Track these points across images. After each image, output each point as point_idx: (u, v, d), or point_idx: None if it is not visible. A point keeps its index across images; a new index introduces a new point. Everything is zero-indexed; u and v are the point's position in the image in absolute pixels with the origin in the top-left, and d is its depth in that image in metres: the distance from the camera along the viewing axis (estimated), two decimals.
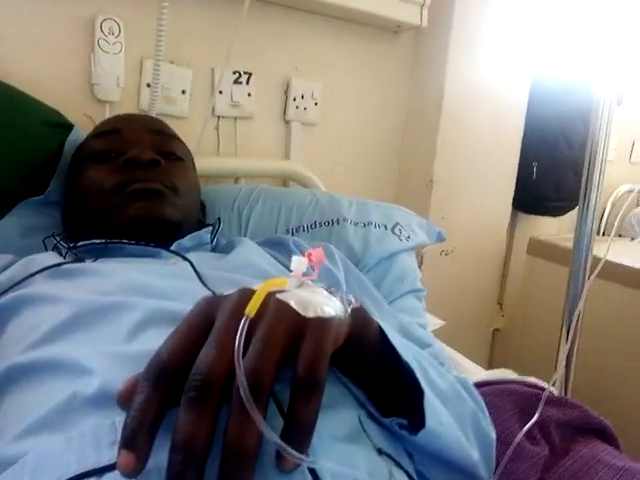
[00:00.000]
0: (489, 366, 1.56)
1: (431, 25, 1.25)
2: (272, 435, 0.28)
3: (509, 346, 1.72)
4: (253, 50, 1.13)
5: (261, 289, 0.33)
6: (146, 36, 0.96)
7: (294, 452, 0.28)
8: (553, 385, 0.75)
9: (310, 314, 0.33)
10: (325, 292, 0.38)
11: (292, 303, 0.34)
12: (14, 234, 0.73)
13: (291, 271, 0.38)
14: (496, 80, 1.40)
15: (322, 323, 0.33)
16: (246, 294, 0.33)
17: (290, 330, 0.32)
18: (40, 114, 0.83)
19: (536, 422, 0.65)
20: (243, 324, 0.31)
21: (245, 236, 0.88)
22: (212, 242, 0.74)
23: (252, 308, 0.32)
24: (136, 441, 0.29)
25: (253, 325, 0.32)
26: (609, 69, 0.93)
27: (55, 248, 0.66)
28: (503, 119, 1.45)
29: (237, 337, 0.30)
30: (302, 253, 0.42)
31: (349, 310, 0.39)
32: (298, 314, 0.33)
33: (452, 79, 1.33)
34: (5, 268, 0.57)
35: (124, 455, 0.28)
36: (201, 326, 0.33)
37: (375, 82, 1.35)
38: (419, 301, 0.87)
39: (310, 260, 0.38)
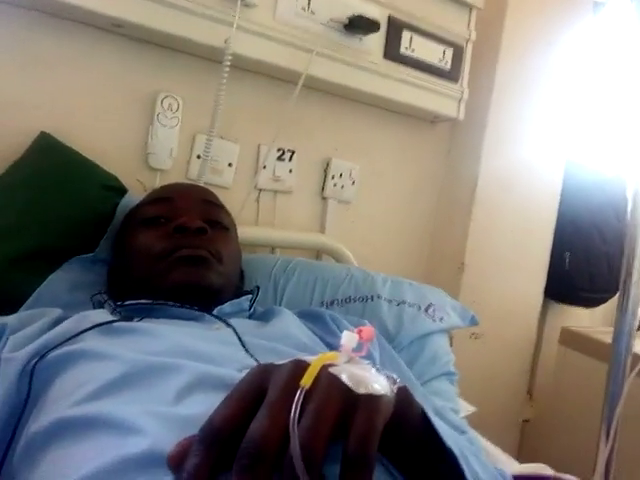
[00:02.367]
0: (518, 459, 1.48)
1: (467, 117, 1.31)
2: None
3: (539, 439, 1.63)
4: (298, 130, 1.19)
5: (316, 362, 0.34)
6: (201, 113, 1.04)
7: None
8: None
9: (361, 390, 0.34)
10: (373, 369, 0.38)
11: (344, 378, 0.34)
12: (62, 289, 0.76)
13: (328, 344, 0.38)
14: (529, 170, 1.43)
15: (374, 400, 0.34)
16: (300, 366, 0.34)
17: (342, 405, 0.32)
18: (98, 177, 0.89)
19: None
20: (299, 396, 0.31)
21: (280, 306, 0.89)
22: (250, 309, 0.76)
23: (307, 380, 0.32)
24: None
25: (306, 397, 0.32)
26: None
27: (102, 305, 0.68)
28: (535, 208, 1.48)
29: (293, 409, 0.30)
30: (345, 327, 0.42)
31: (394, 389, 0.39)
32: (350, 389, 0.34)
33: (486, 168, 1.37)
34: (55, 322, 0.59)
35: None
36: (253, 395, 0.33)
37: (411, 167, 1.40)
38: (452, 385, 0.86)
39: (360, 337, 0.39)
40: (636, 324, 0.95)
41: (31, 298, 0.73)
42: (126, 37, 0.98)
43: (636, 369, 0.81)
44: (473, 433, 0.79)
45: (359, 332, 0.39)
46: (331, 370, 0.35)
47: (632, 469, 1.14)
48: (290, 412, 0.31)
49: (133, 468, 0.35)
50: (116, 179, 0.92)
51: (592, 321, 1.81)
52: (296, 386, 0.32)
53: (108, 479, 0.35)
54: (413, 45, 1.20)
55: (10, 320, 0.58)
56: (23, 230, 0.79)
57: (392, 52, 1.18)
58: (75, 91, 0.96)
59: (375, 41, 1.15)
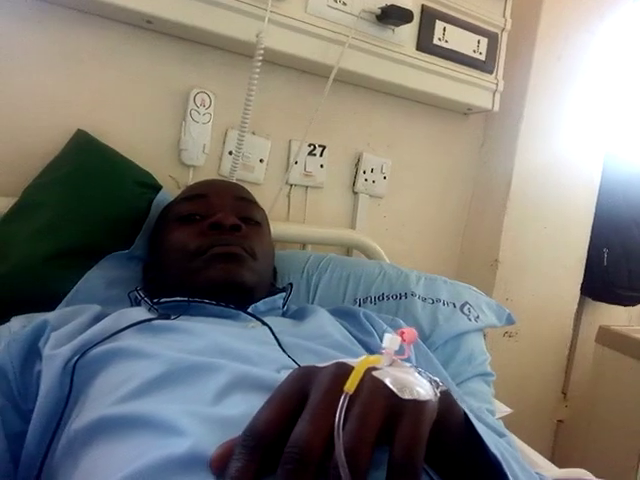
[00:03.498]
0: (551, 461, 1.45)
1: (502, 109, 1.28)
2: None
3: (574, 440, 1.59)
4: (329, 125, 1.18)
5: (360, 365, 0.33)
6: (233, 108, 1.03)
7: None
8: None
9: (406, 395, 0.33)
10: (416, 373, 0.37)
11: (387, 382, 0.33)
12: (99, 286, 0.77)
13: (363, 342, 0.37)
14: (566, 163, 1.39)
15: (419, 406, 0.33)
16: (343, 369, 0.33)
17: (387, 410, 0.32)
18: (133, 174, 0.90)
19: None
20: (343, 401, 0.30)
21: (313, 302, 0.89)
22: (284, 307, 0.75)
23: (352, 385, 0.31)
24: None
25: (350, 401, 0.31)
26: None
27: (138, 302, 0.69)
28: (573, 203, 1.43)
29: (337, 414, 0.30)
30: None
31: (438, 394, 0.38)
32: (394, 394, 0.33)
33: (521, 161, 1.33)
34: (95, 319, 0.60)
35: None
36: (296, 398, 0.33)
37: (443, 161, 1.37)
38: (488, 386, 0.84)
39: (403, 339, 0.38)
40: None
41: (69, 295, 0.74)
42: (158, 33, 0.98)
43: None
44: (511, 435, 0.77)
45: (401, 334, 0.38)
46: (374, 374, 0.34)
47: None
48: (334, 417, 0.30)
49: (175, 469, 0.35)
50: (151, 176, 0.93)
51: (630, 320, 1.76)
52: (339, 390, 0.31)
53: (150, 479, 0.35)
54: (447, 36, 1.18)
55: (51, 317, 0.59)
56: (61, 227, 0.80)
57: (425, 43, 1.15)
58: (108, 88, 0.97)
59: (408, 32, 1.13)
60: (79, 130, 0.91)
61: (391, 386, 0.33)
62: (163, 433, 0.38)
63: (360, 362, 0.34)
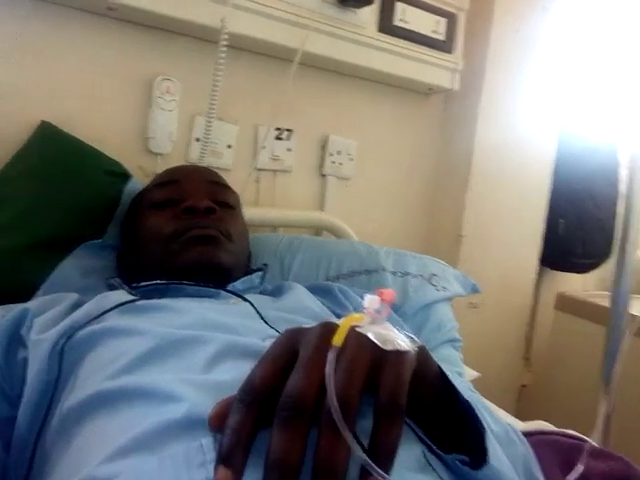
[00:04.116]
0: None
1: (462, 88, 1.32)
2: (361, 452, 0.31)
3: (537, 403, 1.68)
4: (295, 109, 1.20)
5: (345, 322, 0.36)
6: (199, 95, 1.03)
7: (380, 470, 0.31)
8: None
9: (388, 347, 0.36)
10: (395, 329, 0.41)
11: (370, 336, 0.37)
12: (74, 275, 0.78)
13: (338, 315, 0.40)
14: (524, 139, 1.45)
15: (401, 356, 0.36)
16: (329, 327, 0.37)
17: (371, 360, 0.35)
18: (102, 164, 0.90)
19: (580, 474, 0.65)
20: (331, 353, 0.34)
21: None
22: (260, 286, 0.78)
23: (339, 339, 0.35)
24: (232, 458, 0.31)
25: (337, 355, 0.34)
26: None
27: (117, 289, 0.70)
28: (530, 176, 1.50)
29: (327, 365, 0.33)
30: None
31: (415, 348, 0.41)
32: (378, 347, 0.36)
33: (481, 138, 1.38)
34: (74, 306, 0.61)
35: (221, 471, 0.31)
36: (286, 356, 0.36)
37: (407, 140, 1.41)
38: (457, 351, 0.89)
39: (382, 299, 0.41)
40: (632, 286, 0.98)
41: (45, 285, 0.75)
42: (120, 21, 0.97)
43: (633, 327, 0.85)
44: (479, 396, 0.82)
45: (380, 294, 0.41)
46: (358, 330, 0.37)
47: (627, 424, 1.19)
48: (324, 369, 0.33)
49: (174, 432, 0.37)
50: (120, 165, 0.93)
51: (585, 286, 1.86)
52: (327, 345, 0.35)
53: (149, 443, 0.37)
54: (407, 17, 1.21)
55: (31, 305, 0.60)
56: (32, 219, 0.80)
57: (386, 25, 1.18)
58: (71, 78, 0.96)
59: (369, 14, 1.15)
60: (43, 122, 0.90)
61: (374, 339, 0.36)
62: (159, 401, 0.40)
63: (345, 320, 0.37)
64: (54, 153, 0.86)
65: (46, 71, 0.94)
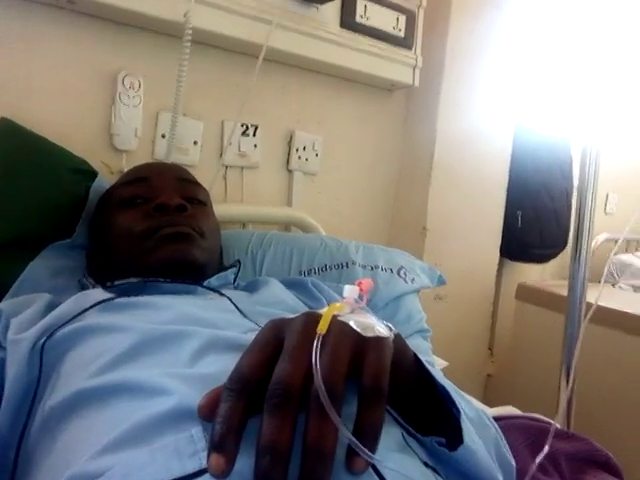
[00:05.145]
0: None
1: (422, 84, 1.35)
2: (348, 433, 0.32)
3: (501, 392, 1.74)
4: (260, 105, 1.20)
5: (328, 311, 0.37)
6: (163, 90, 1.03)
7: (366, 450, 0.32)
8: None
9: (369, 334, 0.38)
10: (374, 317, 0.42)
11: (352, 324, 0.38)
12: (44, 276, 0.76)
13: (312, 309, 0.41)
14: (482, 134, 1.50)
15: (381, 341, 0.38)
16: (312, 316, 0.38)
17: (354, 347, 0.36)
18: (67, 162, 0.88)
19: (547, 455, 0.68)
20: (317, 341, 0.35)
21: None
22: (234, 282, 0.78)
23: (323, 327, 0.36)
24: (225, 444, 0.32)
25: (321, 343, 0.35)
26: (592, 123, 1.01)
27: (89, 288, 0.69)
28: (489, 170, 1.55)
29: (314, 352, 0.34)
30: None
31: (392, 335, 0.43)
32: (359, 334, 0.37)
33: (442, 134, 1.42)
34: (48, 306, 0.60)
35: (215, 457, 0.31)
36: (272, 345, 0.37)
37: (371, 136, 1.43)
38: (426, 341, 0.91)
39: (361, 289, 0.42)
40: (588, 274, 1.03)
41: (14, 286, 0.73)
42: (81, 14, 0.95)
43: (589, 314, 0.89)
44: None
45: (359, 284, 0.42)
46: (340, 318, 0.38)
47: (587, 408, 1.25)
48: (309, 356, 0.34)
49: (164, 424, 0.37)
50: (85, 162, 0.91)
51: (543, 276, 1.93)
52: (312, 333, 0.36)
53: (140, 436, 0.37)
54: (368, 13, 1.23)
55: (3, 306, 0.59)
56: None
57: (348, 21, 1.20)
58: (31, 73, 0.93)
59: (332, 10, 1.17)
60: (3, 118, 0.87)
61: (355, 327, 0.38)
62: (147, 395, 0.40)
63: (327, 309, 0.38)
64: (16, 151, 0.83)
65: (4, 66, 0.90)
